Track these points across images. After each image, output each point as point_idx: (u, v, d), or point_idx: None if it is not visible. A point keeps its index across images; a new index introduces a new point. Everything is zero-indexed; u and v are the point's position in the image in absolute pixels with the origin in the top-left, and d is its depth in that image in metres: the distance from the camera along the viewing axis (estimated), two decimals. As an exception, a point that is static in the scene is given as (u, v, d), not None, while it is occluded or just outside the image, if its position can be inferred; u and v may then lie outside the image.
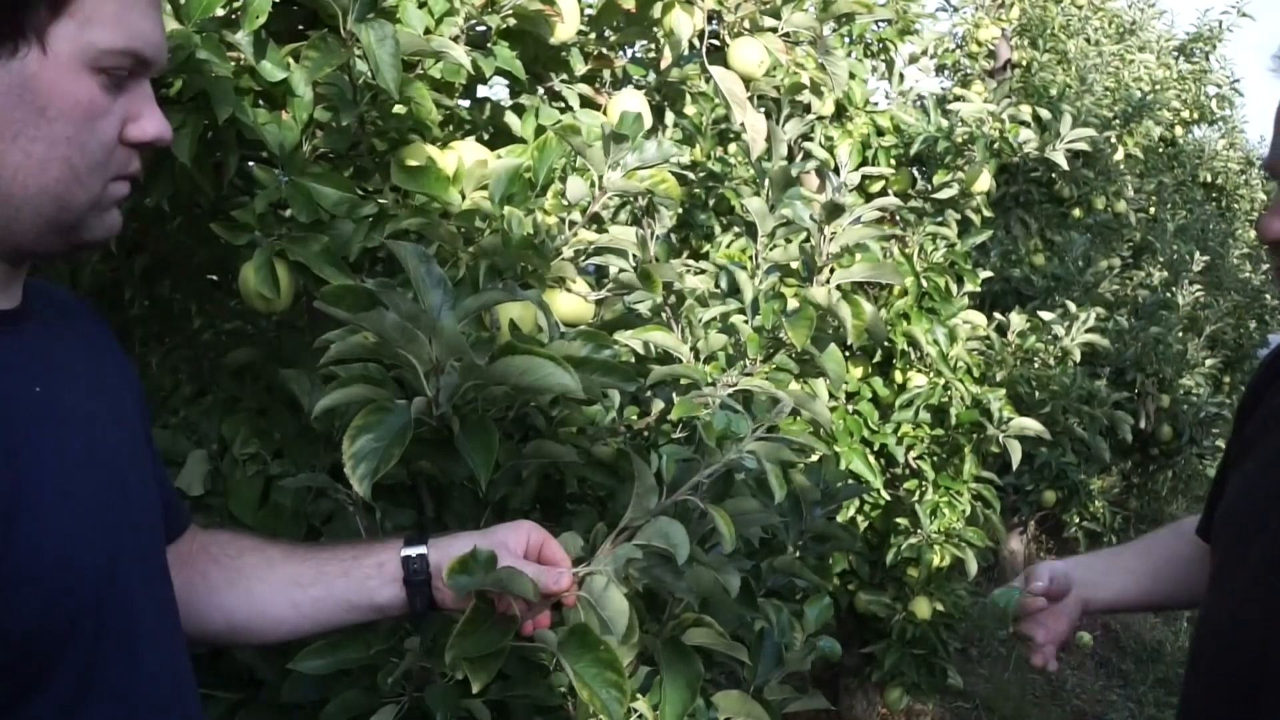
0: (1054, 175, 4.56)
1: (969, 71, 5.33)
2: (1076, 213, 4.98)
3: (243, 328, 2.01)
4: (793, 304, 1.62)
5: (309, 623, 1.02)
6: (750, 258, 1.83)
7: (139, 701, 0.83)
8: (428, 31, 1.51)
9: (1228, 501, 1.25)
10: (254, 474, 1.62)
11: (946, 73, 5.46)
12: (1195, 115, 7.68)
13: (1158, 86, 6.49)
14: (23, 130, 0.74)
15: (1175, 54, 7.31)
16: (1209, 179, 7.85)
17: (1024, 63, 5.30)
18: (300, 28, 1.62)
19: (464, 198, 1.48)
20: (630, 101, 1.82)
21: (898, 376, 3.02)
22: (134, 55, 0.78)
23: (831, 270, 1.61)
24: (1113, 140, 5.13)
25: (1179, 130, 7.68)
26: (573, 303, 1.45)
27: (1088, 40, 6.29)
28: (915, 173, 3.10)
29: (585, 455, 1.55)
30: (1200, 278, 5.69)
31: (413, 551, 0.99)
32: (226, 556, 1.02)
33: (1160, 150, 7.25)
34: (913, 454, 2.97)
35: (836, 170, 1.58)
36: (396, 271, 1.54)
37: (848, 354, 3.06)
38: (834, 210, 1.46)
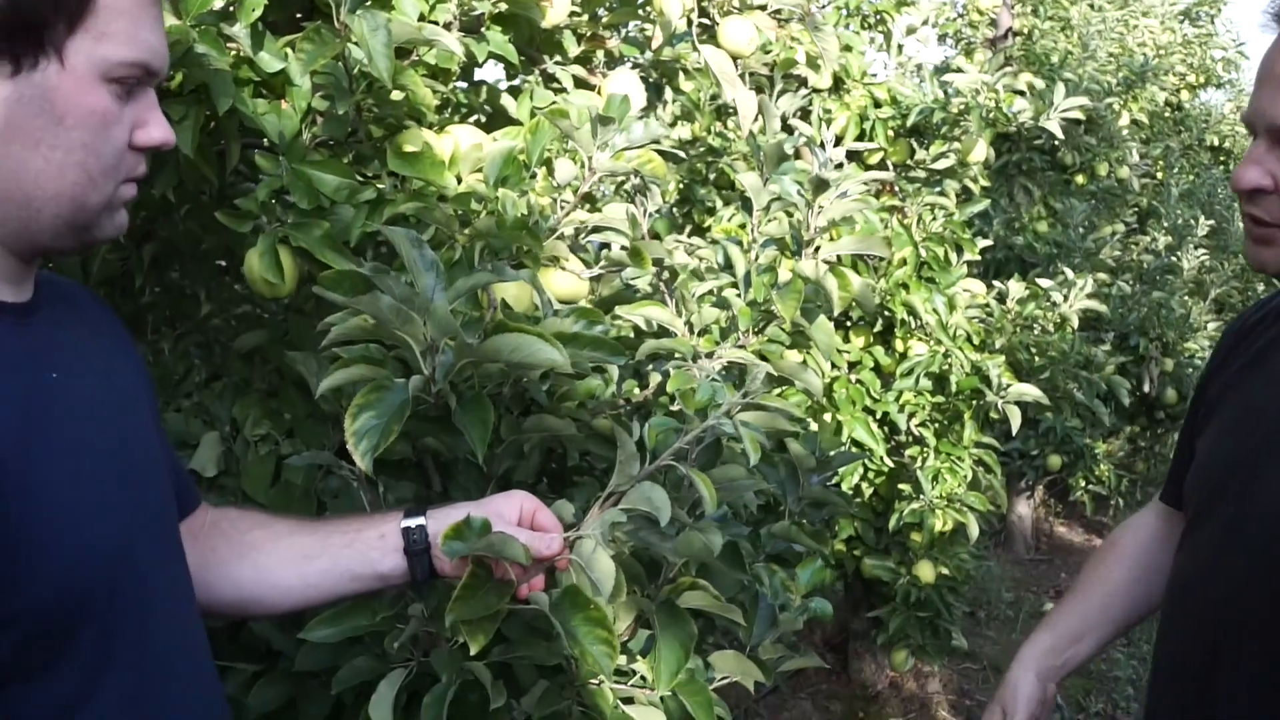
0: (1056, 142, 4.56)
1: (972, 40, 5.32)
2: (1080, 179, 4.98)
3: (251, 312, 2.06)
4: (784, 277, 1.66)
5: (316, 592, 1.07)
6: (748, 231, 1.87)
7: (155, 672, 0.88)
8: (422, 18, 1.55)
9: (1196, 464, 1.29)
10: (266, 454, 1.67)
11: (949, 42, 5.45)
12: (1201, 79, 7.65)
13: (1162, 51, 6.46)
14: (43, 138, 0.80)
15: (1180, 18, 7.27)
16: (1216, 142, 7.82)
17: (1025, 30, 5.30)
18: (298, 16, 1.66)
19: (460, 181, 1.53)
20: (624, 81, 1.85)
21: (899, 345, 3.06)
22: (143, 66, 0.83)
23: (826, 241, 1.65)
24: (1115, 107, 5.12)
25: (1185, 95, 7.65)
26: (567, 281, 1.49)
27: (1091, 6, 6.26)
28: (914, 143, 3.12)
29: (586, 428, 1.59)
30: (1206, 242, 5.69)
31: (412, 523, 1.05)
32: (236, 532, 1.07)
33: (1166, 115, 7.23)
34: (914, 421, 3.01)
35: (823, 145, 1.62)
36: (396, 255, 1.59)
37: (850, 324, 3.10)
38: (820, 185, 1.50)
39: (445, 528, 0.98)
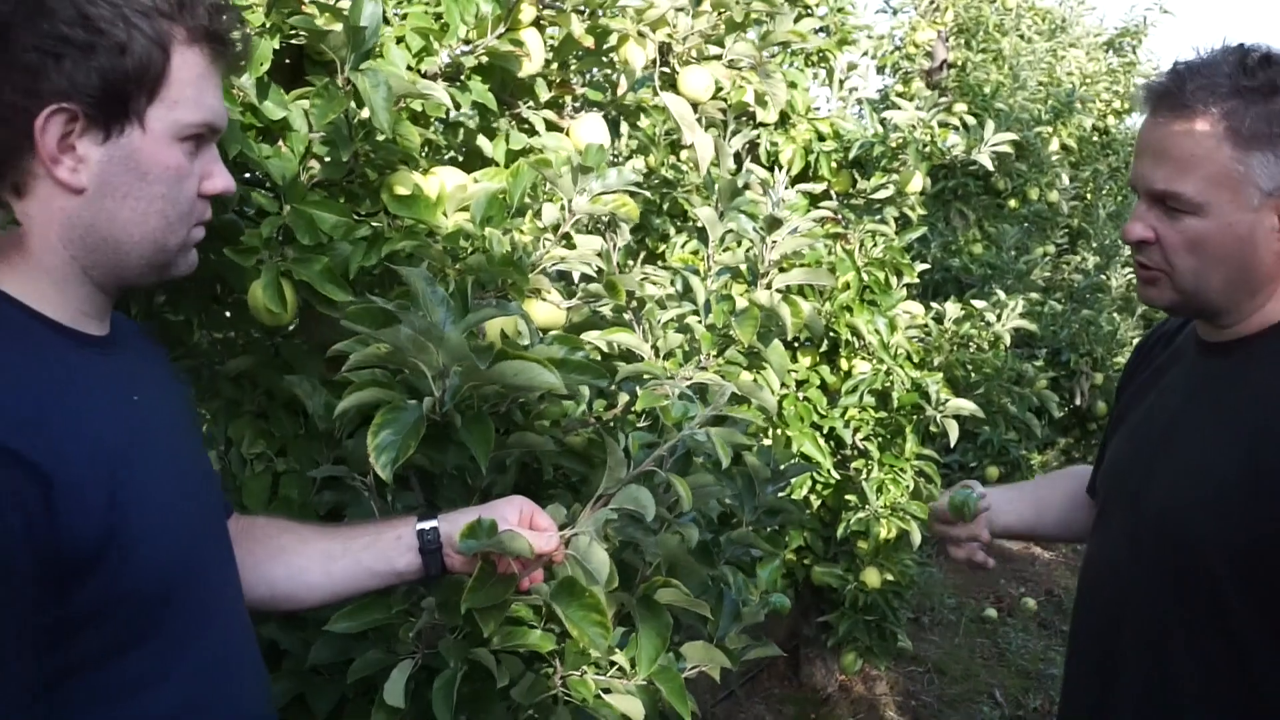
0: (990, 169, 4.81)
1: (909, 70, 5.58)
2: (1012, 203, 5.24)
3: (232, 338, 2.18)
4: (741, 304, 1.83)
5: (340, 588, 1.21)
6: (703, 260, 2.04)
7: (218, 653, 1.02)
8: (409, 67, 1.70)
9: (1106, 464, 1.48)
10: (262, 470, 1.79)
11: (887, 72, 5.71)
12: (1126, 105, 8.01)
13: (1088, 80, 6.78)
14: (130, 192, 0.94)
15: (1105, 48, 7.62)
16: (1141, 165, 8.16)
17: (959, 62, 5.57)
18: (287, 61, 1.80)
19: (446, 217, 1.67)
20: (591, 124, 2.01)
21: (843, 364, 3.24)
22: (208, 126, 0.98)
23: (778, 272, 1.82)
24: (1045, 135, 5.39)
25: (1111, 120, 8.01)
26: (547, 310, 1.64)
27: (1022, 37, 6.56)
28: (855, 174, 3.32)
29: (559, 445, 1.74)
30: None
31: (426, 525, 1.19)
32: (267, 536, 1.21)
33: (1094, 140, 7.56)
34: (859, 435, 3.19)
35: (774, 186, 1.79)
36: (389, 287, 1.72)
37: (797, 345, 3.28)
38: (773, 223, 1.67)
39: (457, 528, 1.13)
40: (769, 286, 1.75)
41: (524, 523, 1.19)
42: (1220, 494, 1.22)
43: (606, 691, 1.48)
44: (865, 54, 4.12)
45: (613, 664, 1.50)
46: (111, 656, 0.90)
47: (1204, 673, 1.24)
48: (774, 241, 1.73)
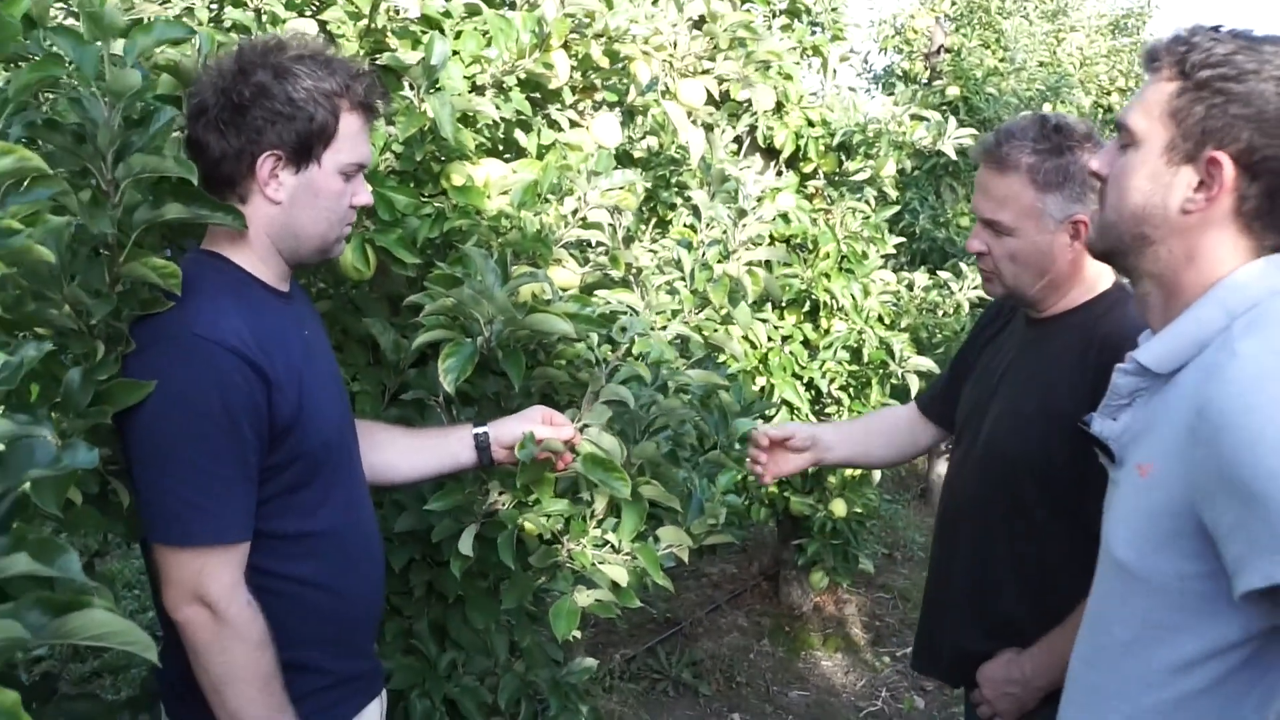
0: (953, 158, 5.23)
1: (911, 52, 5.99)
2: (1000, 180, 5.66)
3: (319, 287, 2.69)
4: (718, 272, 2.33)
5: (417, 473, 1.73)
6: (697, 233, 2.53)
7: (355, 496, 1.56)
8: (465, 77, 2.19)
9: (960, 405, 1.99)
10: (341, 391, 2.31)
11: (889, 52, 6.12)
12: (1130, 84, 8.38)
13: (1087, 61, 7.15)
14: (308, 205, 1.46)
15: (1111, 29, 7.97)
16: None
17: (956, 47, 5.96)
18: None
19: (490, 200, 2.17)
20: (605, 122, 2.50)
21: (823, 323, 3.74)
22: (359, 164, 1.49)
23: (744, 250, 2.32)
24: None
25: (1115, 97, 8.38)
26: (565, 275, 2.15)
27: (1025, 19, 6.94)
28: (841, 157, 3.79)
29: (573, 379, 2.25)
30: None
31: (480, 430, 1.71)
32: (370, 432, 1.72)
33: (1097, 117, 7.95)
34: (834, 385, 3.69)
35: (744, 185, 2.28)
36: (448, 251, 2.23)
37: (783, 306, 3.78)
38: (741, 213, 2.16)
39: (501, 431, 1.66)
40: (738, 260, 2.25)
41: (545, 421, 1.71)
42: (1027, 426, 1.73)
43: (602, 563, 2.01)
44: (869, 38, 4.54)
45: (606, 543, 2.03)
46: (295, 489, 1.44)
47: (1012, 548, 1.76)
48: (743, 225, 2.23)
